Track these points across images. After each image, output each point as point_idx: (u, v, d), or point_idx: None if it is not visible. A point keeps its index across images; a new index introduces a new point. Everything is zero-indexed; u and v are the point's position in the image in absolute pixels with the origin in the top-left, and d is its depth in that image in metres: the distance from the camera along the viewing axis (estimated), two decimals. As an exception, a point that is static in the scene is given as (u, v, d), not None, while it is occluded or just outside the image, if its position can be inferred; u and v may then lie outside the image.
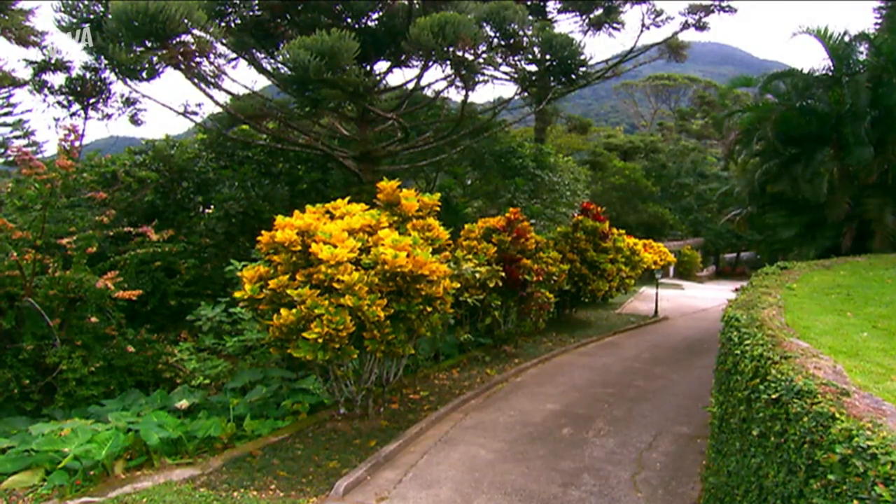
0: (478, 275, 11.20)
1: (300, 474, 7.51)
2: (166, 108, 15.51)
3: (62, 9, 12.25)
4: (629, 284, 20.33)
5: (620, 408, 10.19)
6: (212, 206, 17.21)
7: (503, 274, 12.42)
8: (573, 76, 15.32)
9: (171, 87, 14.99)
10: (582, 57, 14.63)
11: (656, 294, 22.17)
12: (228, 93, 14.56)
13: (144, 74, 11.15)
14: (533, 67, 17.37)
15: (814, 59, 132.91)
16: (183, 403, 9.89)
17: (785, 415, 3.12)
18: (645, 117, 69.62)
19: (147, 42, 10.63)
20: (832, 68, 15.58)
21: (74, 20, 12.33)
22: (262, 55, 16.49)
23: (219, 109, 16.51)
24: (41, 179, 11.64)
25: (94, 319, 11.66)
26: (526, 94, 19.02)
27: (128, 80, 14.25)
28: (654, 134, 55.85)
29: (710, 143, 54.32)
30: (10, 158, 20.45)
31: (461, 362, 13.03)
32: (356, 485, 7.21)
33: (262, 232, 8.37)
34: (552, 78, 15.83)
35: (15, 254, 11.23)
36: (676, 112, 61.62)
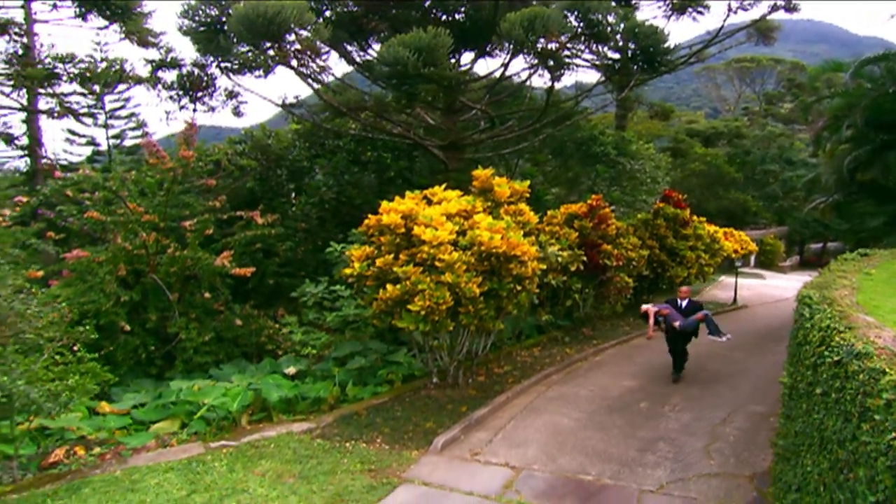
0: (560, 258, 11.76)
1: (401, 431, 8.40)
2: (267, 100, 16.76)
3: (182, 14, 13.56)
4: (708, 272, 20.24)
5: (696, 387, 10.63)
6: (303, 193, 18.41)
7: (584, 258, 12.95)
8: (656, 64, 15.45)
9: (263, 80, 16.21)
10: (666, 45, 14.75)
11: (735, 282, 21.94)
12: (325, 85, 15.53)
13: (261, 71, 12.22)
14: (616, 55, 17.55)
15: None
16: (291, 370, 11.05)
17: (844, 373, 3.62)
18: (728, 101, 67.06)
19: (262, 41, 11.72)
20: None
21: (193, 24, 13.61)
22: (354, 49, 17.46)
23: (315, 101, 17.70)
24: (165, 168, 13.03)
25: (207, 295, 12.99)
26: (608, 81, 19.19)
27: (231, 75, 15.57)
28: (738, 119, 53.81)
29: (799, 128, 51.87)
30: (127, 147, 22.52)
31: (541, 342, 13.64)
32: (452, 442, 8.04)
33: (369, 216, 9.26)
34: (635, 66, 15.97)
35: (145, 234, 12.66)
36: (763, 96, 59.06)
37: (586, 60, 19.96)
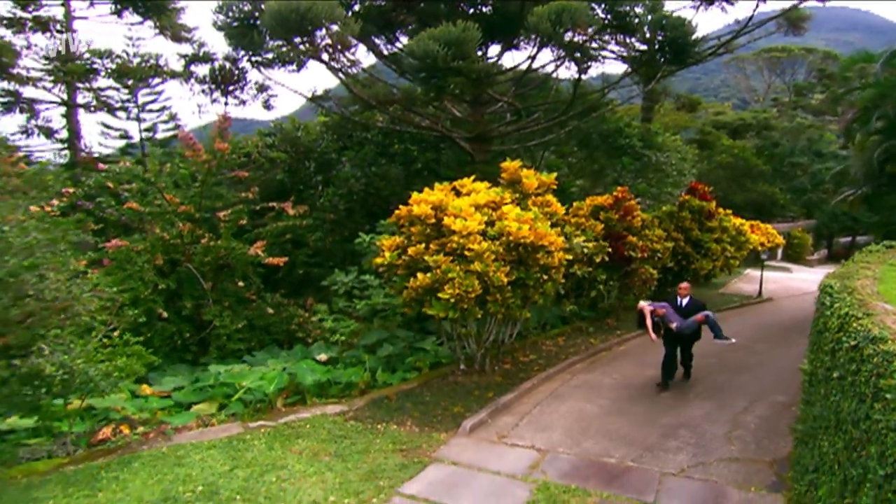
0: (586, 250, 11.93)
1: (430, 415, 8.71)
2: (297, 93, 17.17)
3: (218, 10, 13.94)
4: (734, 265, 20.20)
5: (719, 377, 10.76)
6: (330, 184, 18.77)
7: (609, 250, 13.11)
8: (684, 56, 15.44)
9: (291, 74, 16.48)
10: (693, 37, 14.74)
11: (761, 275, 21.86)
12: (354, 78, 15.82)
13: (293, 65, 12.56)
14: (643, 47, 17.53)
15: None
16: (322, 356, 11.45)
17: (860, 357, 3.81)
18: (758, 91, 65.97)
19: (294, 36, 12.05)
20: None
21: (227, 19, 13.98)
22: (382, 42, 17.71)
23: (343, 93, 18.00)
24: (200, 160, 13.45)
25: (240, 284, 13.41)
26: (634, 73, 19.19)
27: (262, 68, 15.93)
28: (767, 110, 52.96)
29: (829, 119, 50.89)
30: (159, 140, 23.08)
31: (566, 332, 13.85)
32: (479, 425, 8.32)
33: (400, 206, 9.55)
34: (662, 58, 15.98)
35: (181, 225, 13.12)
36: (793, 86, 57.99)
37: (613, 52, 19.98)
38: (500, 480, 6.67)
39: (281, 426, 8.26)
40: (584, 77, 16.32)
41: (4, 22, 16.76)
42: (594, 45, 14.74)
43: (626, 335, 13.63)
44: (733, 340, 9.79)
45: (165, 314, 12.22)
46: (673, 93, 24.35)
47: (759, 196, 37.71)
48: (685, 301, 9.92)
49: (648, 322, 9.60)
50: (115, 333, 8.57)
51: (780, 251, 35.51)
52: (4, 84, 18.14)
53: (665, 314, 9.58)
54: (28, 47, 17.74)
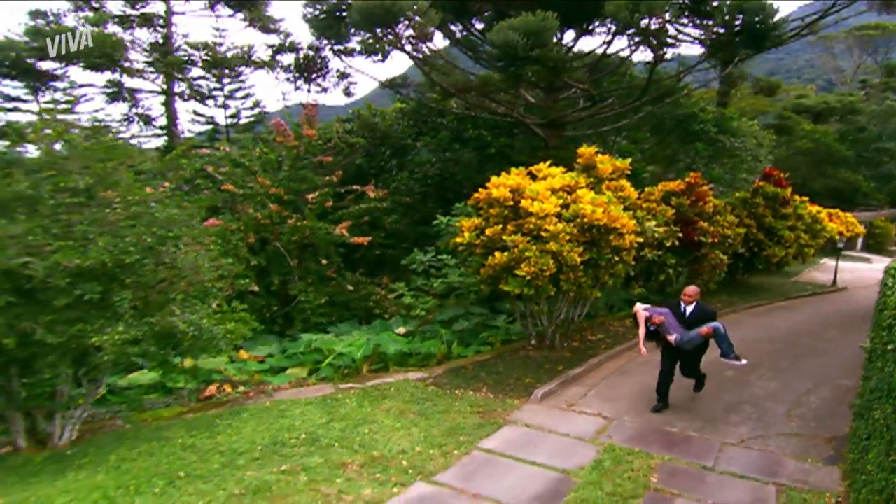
0: (656, 234, 12.23)
1: (503, 384, 9.37)
2: (376, 80, 17.92)
3: (306, 3, 14.89)
4: (808, 253, 19.81)
5: (784, 360, 10.95)
6: (405, 169, 19.56)
7: (679, 234, 13.33)
8: (763, 40, 15.24)
9: (367, 62, 17.24)
10: (774, 21, 14.55)
11: (836, 264, 21.32)
12: (433, 66, 16.46)
13: (378, 56, 13.35)
14: (721, 30, 17.30)
15: None
16: (401, 329, 12.28)
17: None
18: (846, 72, 62.45)
19: (377, 28, 12.80)
20: None
21: (315, 11, 14.91)
22: (457, 28, 18.23)
23: (420, 79, 18.71)
24: (289, 146, 14.47)
25: (323, 262, 14.36)
26: (711, 57, 18.94)
27: (343, 57, 16.82)
28: (853, 93, 50.21)
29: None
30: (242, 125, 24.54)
31: (634, 314, 14.15)
32: (550, 394, 8.92)
33: (480, 189, 10.17)
34: (739, 42, 15.81)
35: (273, 206, 14.17)
36: (884, 67, 54.63)
37: (689, 35, 19.79)
38: (569, 441, 7.26)
39: (368, 388, 9.12)
40: (659, 61, 16.33)
41: (115, 19, 18.30)
42: (671, 29, 14.77)
43: (695, 319, 13.82)
44: (744, 362, 7.95)
45: (257, 288, 13.29)
46: (751, 76, 23.69)
47: (840, 183, 36.22)
48: (690, 309, 8.16)
49: (641, 330, 8.19)
50: (217, 303, 9.64)
51: (860, 241, 34.07)
52: (110, 75, 19.87)
53: (663, 323, 8.03)
54: (133, 42, 19.37)
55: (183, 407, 8.67)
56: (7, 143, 6.68)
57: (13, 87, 19.90)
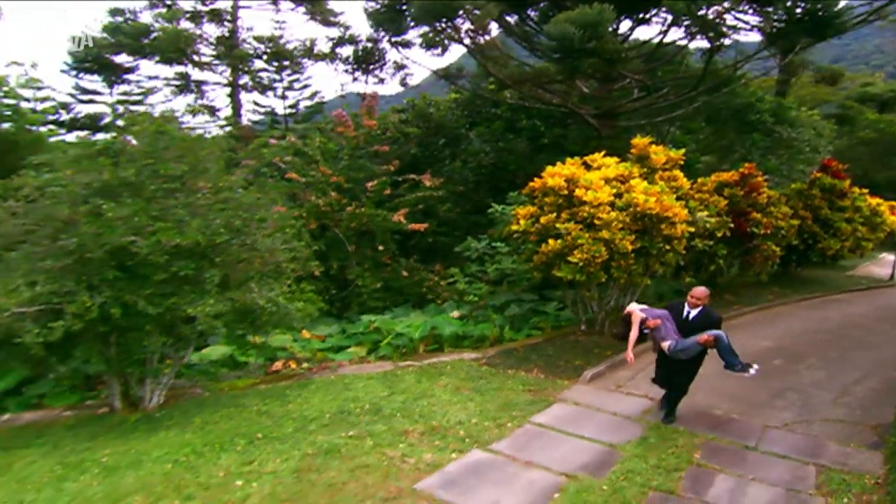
0: (708, 224, 12.36)
1: (554, 366, 9.80)
2: (432, 71, 18.36)
3: (369, -1, 15.47)
4: (866, 247, 19.35)
5: (834, 351, 10.99)
6: (457, 158, 19.99)
7: (731, 225, 13.40)
8: (825, 28, 14.95)
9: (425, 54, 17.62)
10: (837, 8, 14.29)
11: (895, 259, 20.79)
12: (489, 58, 16.81)
13: (438, 49, 13.82)
14: (782, 17, 16.95)
15: None
16: (455, 313, 12.80)
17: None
18: (919, 58, 59.42)
19: (437, 22, 13.25)
20: None
21: (377, 4, 15.44)
22: (513, 20, 18.47)
23: (474, 70, 19.08)
24: (350, 136, 15.11)
25: (380, 248, 14.97)
26: (771, 45, 18.61)
27: (400, 48, 17.33)
28: (927, 80, 47.88)
29: None
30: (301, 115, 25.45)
31: (683, 304, 14.31)
32: (598, 376, 9.31)
33: (535, 179, 10.58)
34: (801, 31, 15.53)
35: (334, 193, 14.85)
36: (961, 52, 51.81)
37: (748, 23, 19.43)
38: (616, 419, 7.65)
39: (425, 366, 9.70)
40: (716, 51, 16.21)
41: (187, 15, 19.34)
42: (729, 18, 14.65)
43: (743, 309, 13.92)
44: (753, 371, 6.98)
45: (318, 273, 14.01)
46: (813, 64, 23.07)
47: (904, 175, 34.79)
48: (695, 313, 7.17)
49: (633, 333, 7.14)
50: (288, 284, 10.36)
51: (926, 236, 32.72)
52: (178, 69, 21.00)
53: (659, 327, 7.09)
54: (200, 36, 20.41)
55: (254, 379, 9.43)
56: (114, 134, 7.47)
57: (90, 81, 21.34)
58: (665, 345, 7.06)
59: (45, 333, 6.34)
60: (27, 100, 10.42)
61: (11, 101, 9.86)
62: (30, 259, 6.79)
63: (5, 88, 9.60)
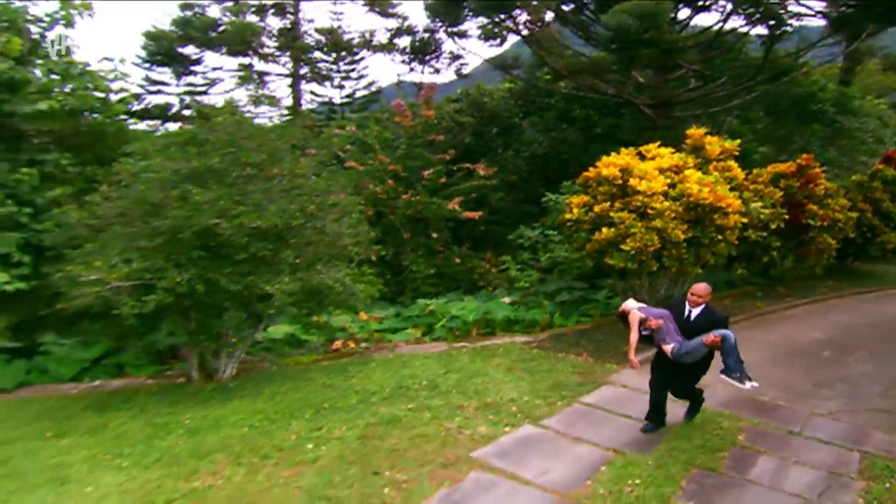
0: (762, 215, 12.35)
1: (602, 351, 10.08)
2: (484, 60, 18.61)
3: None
4: (929, 242, 18.66)
5: (885, 344, 10.85)
6: (510, 148, 20.23)
7: (787, 217, 13.30)
8: (894, 14, 14.55)
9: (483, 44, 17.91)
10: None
11: (960, 256, 19.92)
12: (545, 48, 16.97)
13: (496, 41, 14.13)
14: (848, 2, 16.47)
15: None
16: (507, 299, 13.19)
17: None
18: None
19: (495, 14, 13.54)
20: None
21: (439, -2, 15.81)
22: (569, 9, 18.51)
23: (529, 60, 19.23)
24: (408, 125, 15.60)
25: (434, 235, 15.43)
26: (835, 32, 18.09)
27: (456, 39, 17.66)
28: None
29: None
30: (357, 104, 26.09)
31: (733, 294, 14.29)
32: (647, 361, 9.52)
33: (590, 168, 10.82)
34: (869, 16, 15.14)
35: (391, 182, 15.38)
36: None
37: (811, 9, 18.89)
38: (664, 403, 7.92)
39: (479, 347, 10.15)
40: (777, 39, 15.89)
41: (252, 9, 20.19)
42: (792, 4, 14.36)
43: (795, 301, 13.78)
44: (751, 385, 6.39)
45: (375, 258, 14.58)
46: (881, 51, 22.22)
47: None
48: (696, 312, 6.60)
49: (633, 335, 6.64)
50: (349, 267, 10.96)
51: None
52: (242, 60, 21.90)
53: (661, 328, 6.54)
54: (264, 29, 21.24)
55: (317, 356, 10.08)
56: (199, 124, 8.16)
57: (160, 73, 22.53)
58: (668, 348, 6.49)
59: (140, 306, 7.08)
60: (115, 92, 11.24)
61: (101, 94, 10.69)
62: (124, 239, 7.54)
63: (96, 81, 10.42)
